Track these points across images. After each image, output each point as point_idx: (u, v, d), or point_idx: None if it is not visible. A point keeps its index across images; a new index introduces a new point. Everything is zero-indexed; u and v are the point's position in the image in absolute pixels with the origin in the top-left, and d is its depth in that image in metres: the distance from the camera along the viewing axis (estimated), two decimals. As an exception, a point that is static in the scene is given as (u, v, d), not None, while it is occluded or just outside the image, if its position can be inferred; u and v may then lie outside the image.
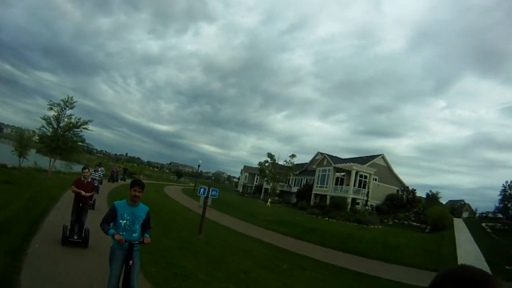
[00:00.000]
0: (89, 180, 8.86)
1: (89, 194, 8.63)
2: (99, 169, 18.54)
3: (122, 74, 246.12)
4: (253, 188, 68.97)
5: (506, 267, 13.57)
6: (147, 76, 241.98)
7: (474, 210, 60.96)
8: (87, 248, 7.82)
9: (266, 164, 51.90)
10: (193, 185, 74.64)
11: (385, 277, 11.63)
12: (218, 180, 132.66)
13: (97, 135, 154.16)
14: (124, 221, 4.49)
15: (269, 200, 44.33)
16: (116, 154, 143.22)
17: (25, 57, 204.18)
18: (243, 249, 12.72)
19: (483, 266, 13.92)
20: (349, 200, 37.67)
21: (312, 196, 44.77)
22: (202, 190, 14.33)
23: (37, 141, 32.01)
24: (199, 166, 52.11)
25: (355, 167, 39.47)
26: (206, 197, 13.43)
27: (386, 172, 44.32)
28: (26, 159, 29.41)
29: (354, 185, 39.24)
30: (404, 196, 42.85)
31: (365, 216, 31.29)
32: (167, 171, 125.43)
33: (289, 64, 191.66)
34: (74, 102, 26.25)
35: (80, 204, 8.40)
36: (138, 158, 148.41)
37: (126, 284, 4.37)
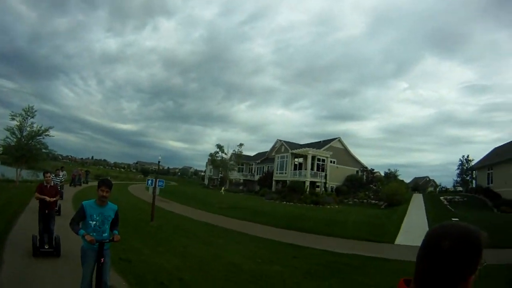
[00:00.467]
0: (52, 184, 8.52)
1: (54, 199, 8.25)
2: (60, 173, 18.45)
3: (82, 75, 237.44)
4: (219, 179, 68.41)
5: None
6: (107, 75, 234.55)
7: (438, 185, 63.46)
8: (59, 256, 7.49)
9: (217, 155, 52.87)
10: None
11: (319, 248, 11.58)
12: (185, 174, 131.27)
13: (61, 140, 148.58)
14: (94, 222, 4.48)
15: (222, 188, 44.90)
16: (82, 158, 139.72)
17: None
18: (188, 231, 13.70)
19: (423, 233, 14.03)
20: (308, 184, 37.94)
21: (274, 183, 44.73)
22: (149, 181, 16.83)
23: (1, 152, 31.95)
24: (159, 162, 50.84)
25: (311, 151, 40.01)
26: (154, 187, 15.08)
27: (344, 155, 45.02)
28: None
29: (312, 169, 39.58)
30: (364, 176, 43.63)
31: (322, 198, 31.34)
32: (134, 170, 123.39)
33: (249, 54, 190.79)
34: (35, 110, 27.79)
35: (46, 211, 8.03)
36: (105, 160, 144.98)
37: (99, 281, 4.41)
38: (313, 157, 40.02)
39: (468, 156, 50.16)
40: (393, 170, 50.99)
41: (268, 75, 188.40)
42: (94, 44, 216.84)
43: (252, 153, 64.86)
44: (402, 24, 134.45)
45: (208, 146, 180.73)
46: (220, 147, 52.91)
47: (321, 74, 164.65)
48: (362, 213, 23.67)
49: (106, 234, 4.58)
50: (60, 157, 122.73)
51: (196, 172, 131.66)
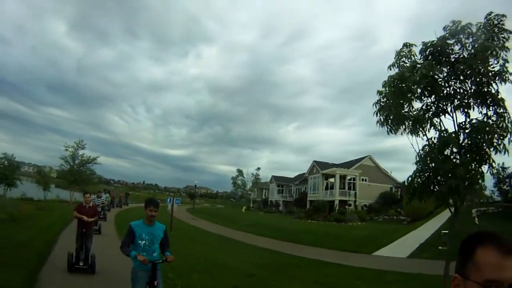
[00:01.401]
0: (91, 205, 8.84)
1: (92, 219, 8.52)
2: (103, 195, 19.92)
3: (130, 103, 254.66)
4: (261, 201, 70.26)
5: (439, 247, 14.89)
6: (155, 103, 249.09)
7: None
8: (94, 274, 7.87)
9: (239, 178, 56.16)
10: (207, 204, 77.80)
11: (291, 254, 13.84)
12: (234, 197, 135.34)
13: (114, 166, 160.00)
14: (143, 241, 4.45)
15: (244, 208, 48.97)
16: (133, 183, 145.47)
17: (31, 94, 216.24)
18: (197, 239, 16.65)
19: (412, 248, 15.65)
20: (337, 202, 39.25)
21: (308, 203, 46.34)
22: (168, 199, 19.64)
23: (55, 176, 38.02)
24: (195, 186, 54.83)
25: (338, 171, 41.45)
26: (172, 203, 18.65)
27: (376, 172, 45.59)
28: (50, 192, 35.48)
29: (341, 188, 40.88)
30: (398, 192, 44.00)
31: (345, 216, 32.69)
32: (183, 194, 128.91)
33: (292, 75, 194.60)
34: (85, 144, 32.99)
35: (84, 230, 8.33)
36: (156, 185, 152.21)
37: None
38: (341, 176, 41.36)
39: (503, 164, 48.48)
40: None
41: (313, 94, 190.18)
42: (140, 73, 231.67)
43: (294, 175, 66.81)
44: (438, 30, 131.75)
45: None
46: (240, 171, 56.25)
47: (365, 89, 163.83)
48: (376, 228, 24.86)
49: (156, 254, 4.55)
50: (112, 181, 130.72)
51: (243, 195, 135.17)
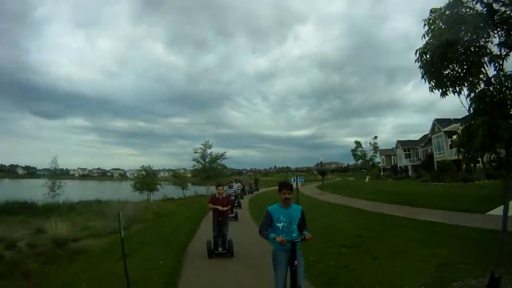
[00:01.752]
0: (224, 195, 9.50)
1: (226, 208, 9.21)
2: (234, 185, 22.04)
3: (245, 97, 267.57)
4: (391, 169, 68.81)
5: None
6: (269, 91, 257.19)
7: None
8: (233, 257, 8.74)
9: (358, 149, 55.66)
10: (339, 179, 79.67)
11: (397, 215, 15.46)
12: (364, 168, 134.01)
13: (243, 156, 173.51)
14: (281, 224, 4.56)
15: (368, 177, 47.18)
16: (265, 169, 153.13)
17: (152, 111, 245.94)
18: (321, 210, 19.53)
19: None
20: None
21: (435, 164, 44.77)
22: (293, 179, 21.54)
23: (190, 176, 46.08)
24: (321, 162, 56.96)
25: (461, 127, 38.64)
26: (296, 182, 20.19)
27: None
28: (188, 190, 43.36)
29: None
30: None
31: (471, 174, 31.54)
32: (315, 172, 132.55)
33: (395, 32, 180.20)
34: (211, 143, 39.11)
35: (220, 219, 9.07)
36: (287, 167, 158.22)
37: (293, 284, 4.44)
38: None
39: None
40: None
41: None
42: (246, 67, 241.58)
43: (418, 137, 64.13)
44: None
45: (384, 136, 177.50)
46: (357, 142, 55.93)
47: None
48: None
49: (295, 235, 4.61)
50: (244, 171, 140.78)
51: (373, 164, 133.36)
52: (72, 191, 30.67)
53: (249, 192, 35.70)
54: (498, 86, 4.67)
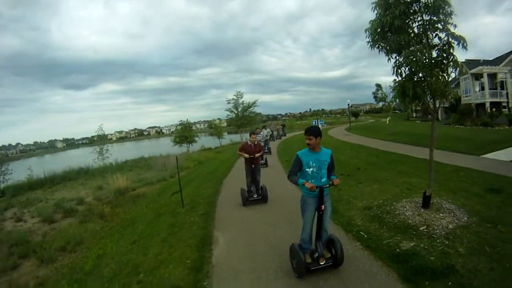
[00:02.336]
0: (256, 143, 9.63)
1: (258, 154, 9.43)
2: (263, 131, 22.62)
3: (276, 40, 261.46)
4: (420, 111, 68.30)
5: None
6: (300, 32, 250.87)
7: None
8: (266, 203, 9.17)
9: (379, 92, 55.60)
10: (372, 120, 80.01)
11: (411, 155, 17.28)
12: (400, 110, 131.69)
13: (277, 101, 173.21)
14: (311, 169, 4.63)
15: (388, 118, 51.26)
16: (300, 113, 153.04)
17: (182, 65, 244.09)
18: (339, 149, 21.18)
19: None
20: (488, 105, 38.17)
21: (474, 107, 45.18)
22: (313, 122, 23.51)
23: (225, 125, 49.54)
24: (349, 105, 57.71)
25: (486, 69, 39.35)
26: (317, 124, 22.12)
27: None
28: (224, 139, 47.11)
29: (493, 88, 38.94)
30: None
31: (492, 119, 32.58)
32: (348, 114, 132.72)
33: None
34: (242, 93, 41.92)
35: (252, 166, 9.29)
36: (322, 110, 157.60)
37: (319, 228, 4.73)
38: (491, 75, 39.34)
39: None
40: None
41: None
42: (274, 10, 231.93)
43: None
44: None
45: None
46: (378, 85, 56.24)
47: None
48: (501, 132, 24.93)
49: (324, 179, 4.69)
50: (279, 116, 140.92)
51: (399, 108, 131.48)
52: (116, 154, 34.11)
53: (277, 138, 36.71)
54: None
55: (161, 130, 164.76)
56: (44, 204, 18.13)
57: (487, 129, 29.55)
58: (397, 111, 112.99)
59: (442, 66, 6.53)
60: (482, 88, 41.05)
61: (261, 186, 9.37)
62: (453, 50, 6.31)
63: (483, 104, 38.98)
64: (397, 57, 6.72)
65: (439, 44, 6.44)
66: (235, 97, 41.94)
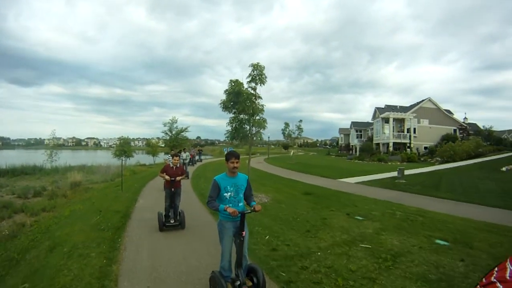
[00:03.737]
0: (178, 166, 9.33)
1: (180, 177, 9.15)
2: (183, 154, 23.95)
3: (225, 65, 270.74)
4: (350, 147, 75.07)
5: (396, 180, 19.56)
6: (250, 60, 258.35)
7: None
8: (184, 229, 8.71)
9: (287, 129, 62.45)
10: (302, 153, 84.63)
11: (290, 178, 22.30)
12: (330, 145, 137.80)
13: (219, 127, 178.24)
14: (229, 193, 4.67)
15: (292, 152, 59.11)
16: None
17: (130, 78, 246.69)
18: (243, 170, 25.50)
19: (375, 178, 22.90)
20: (391, 144, 45.05)
21: (374, 145, 52.01)
22: (225, 149, 26.70)
23: (163, 145, 53.31)
24: (268, 138, 62.44)
25: (392, 115, 47.37)
26: (227, 152, 26.46)
27: (437, 114, 49.01)
28: (158, 157, 50.43)
29: (396, 131, 46.51)
30: (458, 134, 46.95)
31: (386, 156, 38.74)
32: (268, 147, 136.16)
33: (384, 12, 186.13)
34: (177, 119, 45.17)
35: (172, 189, 9.01)
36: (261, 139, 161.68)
37: (240, 254, 4.62)
38: (398, 120, 47.07)
39: None
40: (488, 126, 53.52)
41: (408, 30, 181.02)
42: (230, 36, 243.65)
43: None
44: None
45: (362, 114, 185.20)
46: (286, 124, 62.49)
47: (464, 19, 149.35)
48: (386, 166, 31.09)
49: (241, 204, 4.77)
50: (217, 141, 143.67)
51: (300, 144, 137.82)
52: (61, 160, 37.35)
53: (193, 164, 37.59)
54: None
55: (99, 142, 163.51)
56: (12, 187, 21.77)
57: (376, 164, 36.11)
58: (327, 147, 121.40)
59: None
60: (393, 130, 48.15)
61: (179, 212, 9.09)
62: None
63: (388, 144, 45.51)
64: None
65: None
66: (170, 121, 46.06)
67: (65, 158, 39.54)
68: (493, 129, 57.76)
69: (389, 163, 36.26)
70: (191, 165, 32.98)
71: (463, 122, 52.86)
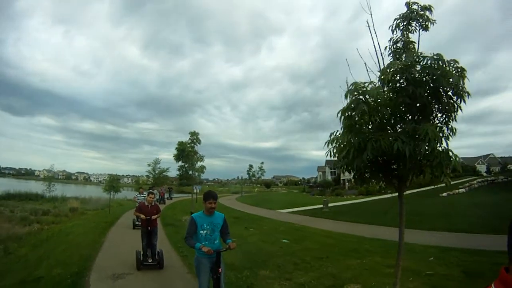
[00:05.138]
0: (153, 204, 9.45)
1: (155, 216, 9.23)
2: (154, 191, 24.10)
3: (215, 105, 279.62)
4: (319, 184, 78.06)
5: (323, 209, 26.40)
6: (239, 101, 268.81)
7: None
8: (163, 269, 8.68)
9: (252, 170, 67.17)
10: (285, 191, 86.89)
11: (239, 209, 27.94)
12: (309, 183, 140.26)
13: (208, 165, 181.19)
14: (205, 231, 4.92)
15: (256, 188, 68.09)
16: (228, 179, 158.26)
17: (121, 114, 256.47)
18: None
19: (308, 207, 28.22)
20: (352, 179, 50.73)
21: (341, 181, 57.89)
22: (194, 187, 30.69)
23: (148, 184, 60.22)
24: (253, 175, 67.70)
25: None
26: (197, 191, 30.30)
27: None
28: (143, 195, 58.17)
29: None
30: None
31: (344, 191, 44.64)
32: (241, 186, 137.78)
33: (368, 49, 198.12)
34: (160, 160, 53.90)
35: (149, 228, 9.06)
36: (247, 179, 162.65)
37: None
38: None
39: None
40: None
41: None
42: (220, 76, 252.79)
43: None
44: None
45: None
46: (251, 165, 67.50)
47: (446, 51, 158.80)
48: (337, 200, 36.61)
49: (217, 241, 5.02)
50: (205, 181, 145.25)
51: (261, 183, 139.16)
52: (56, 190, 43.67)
53: (162, 202, 37.67)
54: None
55: (89, 177, 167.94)
56: (22, 208, 26.88)
57: (333, 197, 41.46)
58: (311, 184, 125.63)
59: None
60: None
61: (158, 251, 9.02)
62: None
63: (351, 179, 51.53)
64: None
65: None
66: (154, 162, 52.50)
67: (59, 190, 45.18)
68: (467, 156, 63.20)
69: (345, 196, 41.93)
70: (162, 204, 33.70)
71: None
